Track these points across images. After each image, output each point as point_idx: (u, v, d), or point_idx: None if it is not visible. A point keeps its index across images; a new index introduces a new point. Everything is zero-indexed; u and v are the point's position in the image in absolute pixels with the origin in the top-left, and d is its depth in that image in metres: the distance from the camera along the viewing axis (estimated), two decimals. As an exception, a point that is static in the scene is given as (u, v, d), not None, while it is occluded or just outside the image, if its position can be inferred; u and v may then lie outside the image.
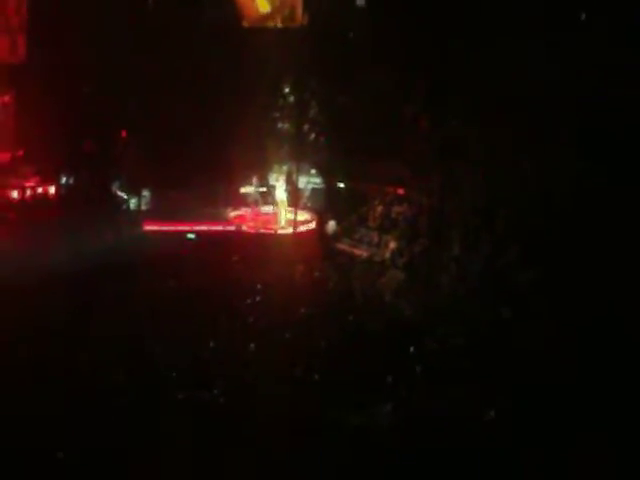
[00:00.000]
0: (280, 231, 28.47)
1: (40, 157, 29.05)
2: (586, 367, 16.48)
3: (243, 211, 29.83)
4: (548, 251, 20.63)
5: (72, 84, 28.46)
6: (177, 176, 28.40)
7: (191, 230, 27.74)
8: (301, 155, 29.50)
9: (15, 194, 28.44)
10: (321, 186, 29.74)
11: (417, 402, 16.36)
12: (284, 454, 14.18)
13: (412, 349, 18.57)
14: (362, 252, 26.16)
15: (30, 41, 28.95)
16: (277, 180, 29.83)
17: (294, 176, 29.44)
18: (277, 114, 30.07)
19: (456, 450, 14.36)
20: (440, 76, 25.13)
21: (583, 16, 23.54)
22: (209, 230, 27.98)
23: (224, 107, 28.41)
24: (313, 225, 28.45)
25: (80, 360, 17.63)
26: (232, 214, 29.47)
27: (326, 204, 29.03)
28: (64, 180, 29.76)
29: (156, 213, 28.95)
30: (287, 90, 30.01)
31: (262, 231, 28.35)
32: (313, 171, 29.82)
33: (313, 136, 29.46)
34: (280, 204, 29.23)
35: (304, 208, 29.33)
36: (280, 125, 30.13)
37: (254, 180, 30.28)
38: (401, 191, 27.30)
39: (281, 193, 29.34)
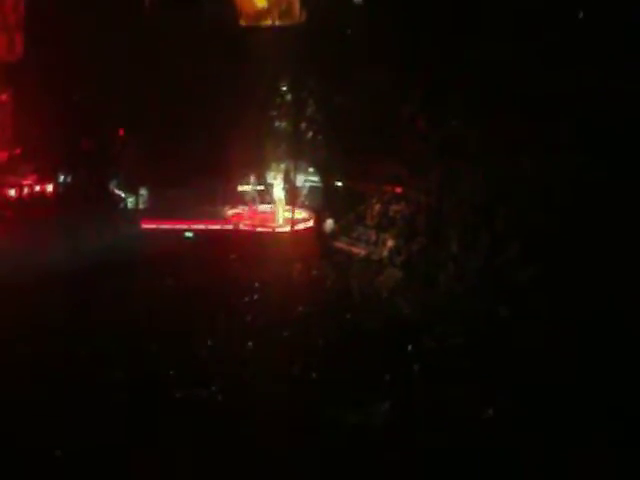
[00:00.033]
0: (278, 229, 28.50)
1: (38, 155, 29.06)
2: (586, 365, 16.48)
3: (241, 209, 29.86)
4: (547, 249, 20.63)
5: (70, 82, 28.46)
6: (175, 174, 28.42)
7: (189, 228, 27.75)
8: (299, 153, 29.52)
9: (13, 192, 28.43)
10: (319, 184, 29.76)
11: (415, 401, 16.35)
12: (282, 452, 14.17)
13: (410, 347, 18.57)
14: (360, 250, 26.16)
15: (28, 39, 28.95)
16: (275, 178, 29.86)
17: (292, 174, 29.46)
18: (275, 113, 30.09)
19: (455, 449, 14.36)
20: (438, 74, 25.11)
21: (580, 14, 23.53)
22: (207, 228, 28.00)
23: (222, 106, 28.42)
24: (311, 223, 28.48)
25: (77, 358, 17.62)
26: (230, 212, 29.50)
27: (324, 202, 29.04)
28: (62, 178, 29.76)
29: (154, 211, 28.97)
30: (285, 89, 30.02)
31: (260, 229, 28.37)
32: (311, 169, 29.85)
33: (311, 134, 29.48)
34: (278, 202, 29.25)
35: (302, 206, 29.37)
36: (278, 124, 30.15)
37: (252, 178, 30.30)
38: (399, 189, 27.28)
39: (279, 191, 29.36)
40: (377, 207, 27.40)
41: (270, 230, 28.41)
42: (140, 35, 28.52)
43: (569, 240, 20.39)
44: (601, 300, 18.53)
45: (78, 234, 25.09)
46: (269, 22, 29.92)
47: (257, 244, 26.81)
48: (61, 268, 22.53)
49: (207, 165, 28.41)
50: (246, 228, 28.37)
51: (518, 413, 15.29)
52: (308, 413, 15.55)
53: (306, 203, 29.65)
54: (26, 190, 28.75)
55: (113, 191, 29.96)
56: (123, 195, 29.92)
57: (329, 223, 27.74)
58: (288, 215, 28.68)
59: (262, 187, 30.25)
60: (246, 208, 29.94)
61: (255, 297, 22.08)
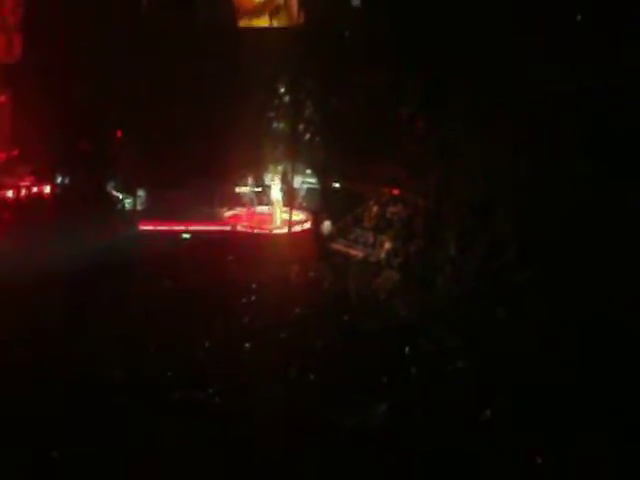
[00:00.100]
0: (275, 231, 28.49)
1: (36, 157, 29.11)
2: (584, 367, 16.49)
3: (238, 211, 29.87)
4: (544, 251, 20.65)
5: (68, 84, 28.50)
6: (172, 176, 28.43)
7: (186, 230, 27.76)
8: (296, 155, 29.53)
9: (10, 194, 28.46)
10: (316, 186, 29.78)
11: (413, 403, 16.35)
12: (280, 454, 14.18)
13: (407, 350, 18.56)
14: (357, 252, 26.17)
15: (26, 41, 28.98)
16: (272, 180, 29.87)
17: (289, 176, 29.47)
18: (272, 114, 30.11)
19: (453, 451, 14.36)
20: (436, 76, 25.14)
21: (579, 17, 23.56)
22: (204, 230, 28.00)
23: (219, 107, 28.45)
24: (308, 225, 28.49)
25: (75, 360, 17.58)
26: (227, 214, 29.50)
27: (321, 204, 29.06)
28: (60, 180, 29.82)
29: (151, 213, 28.99)
30: (283, 90, 30.04)
31: (257, 231, 28.37)
32: (308, 171, 29.86)
33: (308, 136, 29.50)
34: (275, 204, 29.25)
35: (299, 208, 29.38)
36: (275, 125, 30.17)
37: (249, 180, 30.31)
38: (396, 191, 27.32)
39: (276, 193, 29.36)
40: (375, 209, 27.43)
41: (267, 232, 28.41)
42: (138, 37, 28.55)
43: (567, 243, 20.41)
44: (599, 302, 18.55)
45: (76, 236, 25.05)
46: (267, 22, 29.95)
47: (254, 246, 26.81)
48: (59, 269, 22.50)
49: (205, 166, 28.43)
50: (244, 230, 28.36)
51: (516, 414, 15.30)
52: (306, 415, 15.55)
53: (304, 205, 29.67)
54: (24, 191, 28.81)
55: (111, 192, 30.00)
56: (121, 196, 29.95)
57: (327, 225, 27.75)
58: (286, 217, 28.68)
59: (260, 189, 30.27)
60: (244, 210, 29.96)
61: (252, 299, 22.07)
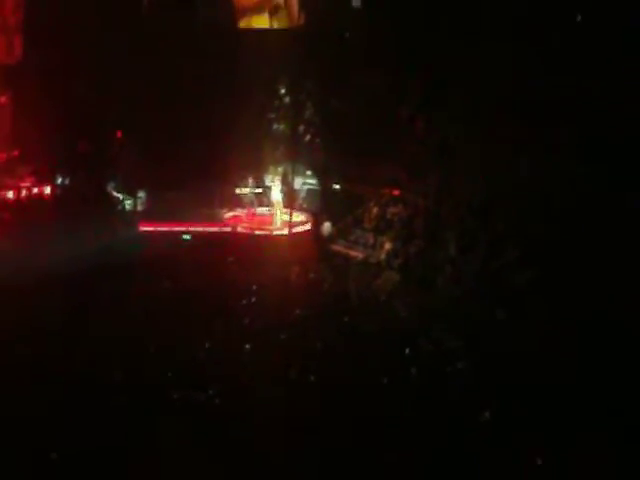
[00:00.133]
0: (275, 232, 28.50)
1: (36, 157, 29.12)
2: (584, 368, 16.49)
3: (238, 212, 29.88)
4: (545, 252, 20.65)
5: (68, 85, 28.51)
6: (173, 177, 28.45)
7: (187, 231, 27.77)
8: (297, 156, 29.55)
9: (11, 194, 28.47)
10: (317, 187, 29.80)
11: (412, 403, 16.35)
12: (279, 455, 14.18)
13: (407, 350, 18.57)
14: (357, 253, 26.18)
15: (27, 42, 29.00)
16: (272, 181, 29.89)
17: (290, 177, 29.49)
18: (273, 115, 30.14)
19: (452, 452, 14.37)
20: (436, 77, 25.15)
21: (579, 18, 23.56)
22: (204, 231, 28.01)
23: (220, 108, 28.46)
24: (308, 226, 28.49)
25: (74, 360, 17.58)
26: (227, 215, 29.52)
27: (322, 205, 29.08)
28: (60, 180, 29.82)
29: (152, 214, 29.00)
30: (283, 91, 30.06)
31: (257, 232, 28.37)
32: (309, 172, 29.88)
33: (309, 137, 29.53)
34: (275, 205, 29.26)
35: (299, 209, 29.40)
36: (276, 126, 30.20)
37: (250, 181, 30.33)
38: (397, 192, 27.32)
39: (276, 194, 29.37)
40: (375, 210, 27.43)
41: (268, 233, 28.42)
42: (138, 38, 28.57)
43: (567, 243, 20.42)
44: (599, 302, 18.55)
45: (76, 236, 25.06)
46: (266, 22, 30.00)
47: (255, 247, 26.82)
48: (59, 270, 22.52)
49: (205, 168, 28.46)
50: (244, 231, 28.38)
51: (516, 415, 15.30)
52: (306, 416, 15.55)
53: (304, 206, 29.70)
54: (24, 192, 28.82)
55: (111, 193, 30.01)
56: (121, 197, 29.96)
57: (327, 226, 27.76)
58: (286, 218, 28.69)
59: (260, 190, 30.29)
60: (244, 211, 29.97)
61: (253, 300, 22.06)
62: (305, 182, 29.89)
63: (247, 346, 18.93)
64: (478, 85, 23.66)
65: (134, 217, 29.08)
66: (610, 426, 14.71)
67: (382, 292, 22.82)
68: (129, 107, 29.03)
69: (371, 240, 26.38)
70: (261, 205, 30.20)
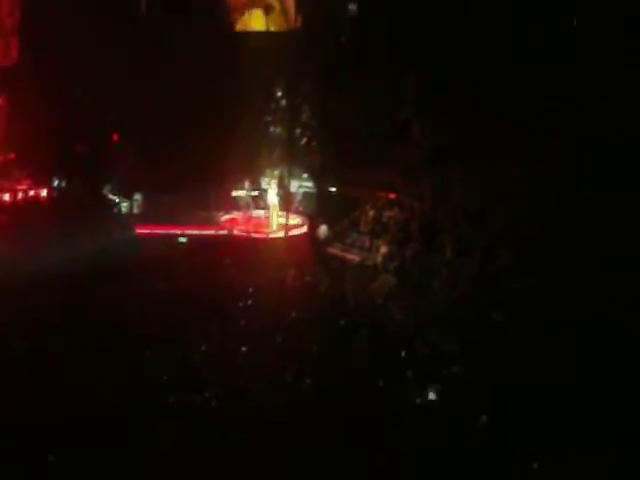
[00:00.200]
0: (272, 235, 28.50)
1: (32, 160, 29.06)
2: (581, 372, 16.50)
3: (235, 215, 29.86)
4: (541, 256, 20.67)
5: (65, 87, 28.49)
6: (169, 180, 28.41)
7: (183, 234, 27.75)
8: (293, 159, 29.55)
9: (7, 197, 28.43)
10: (313, 190, 29.79)
11: (408, 407, 16.37)
12: (276, 458, 14.19)
13: (403, 354, 18.59)
14: (354, 257, 26.17)
15: (23, 44, 28.98)
16: (269, 184, 29.87)
17: (286, 180, 29.48)
18: (269, 118, 30.13)
19: (448, 455, 14.39)
20: (432, 81, 25.17)
21: (575, 22, 23.62)
22: (201, 234, 28.00)
23: (216, 111, 28.45)
24: (305, 229, 28.49)
25: (69, 364, 17.57)
26: (224, 218, 29.50)
27: (318, 208, 29.06)
28: (56, 183, 29.77)
29: (148, 216, 28.96)
30: (279, 94, 30.06)
31: (254, 235, 28.37)
32: (305, 175, 29.87)
33: (305, 140, 29.52)
34: (272, 208, 29.25)
35: (296, 212, 29.38)
36: (272, 129, 30.19)
37: (246, 184, 30.31)
38: (393, 196, 27.32)
39: (273, 197, 29.36)
40: (371, 213, 27.42)
41: (264, 236, 28.42)
42: (135, 40, 28.56)
43: (563, 247, 20.44)
44: (597, 306, 18.57)
45: (72, 239, 25.04)
46: (263, 24, 30.07)
47: (251, 250, 26.81)
48: (55, 273, 22.50)
49: (201, 170, 28.42)
50: (240, 234, 28.37)
51: (512, 419, 15.31)
52: (302, 419, 15.56)
53: (300, 209, 29.68)
54: (20, 195, 28.78)
55: (107, 196, 29.96)
56: (117, 200, 29.92)
57: (323, 229, 27.75)
58: (282, 221, 28.68)
59: (256, 193, 30.27)
60: (240, 214, 29.95)
61: (249, 302, 22.07)
62: (301, 185, 29.88)
63: (243, 349, 18.95)
64: (474, 89, 23.68)
65: (130, 220, 29.04)
66: (608, 429, 14.73)
67: (378, 295, 22.81)
68: (125, 110, 29.01)
69: (367, 243, 26.38)
70: (257, 208, 30.17)
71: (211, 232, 28.27)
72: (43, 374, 16.93)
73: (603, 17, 21.95)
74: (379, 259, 25.20)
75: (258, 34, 30.23)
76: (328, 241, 27.43)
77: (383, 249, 25.47)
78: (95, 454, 14.23)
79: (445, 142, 24.48)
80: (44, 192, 29.36)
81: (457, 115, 23.99)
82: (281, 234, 28.30)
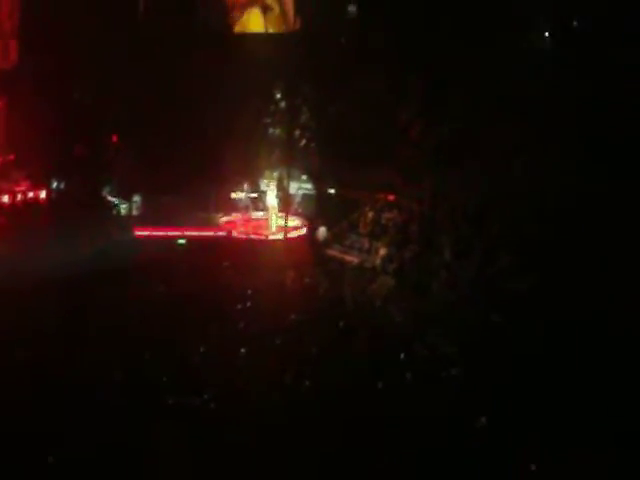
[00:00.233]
0: (271, 237, 28.50)
1: (31, 162, 29.07)
2: (580, 373, 16.50)
3: (234, 217, 29.84)
4: (540, 257, 20.69)
5: (64, 89, 28.51)
6: (168, 181, 28.42)
7: (182, 235, 27.74)
8: (292, 161, 29.54)
9: (6, 198, 28.44)
10: (312, 192, 29.79)
11: (407, 409, 16.36)
12: (275, 460, 14.18)
13: (402, 355, 18.58)
14: (353, 258, 26.18)
15: (23, 46, 28.99)
16: (268, 186, 29.86)
17: (285, 182, 29.47)
18: (268, 120, 30.13)
19: (447, 457, 14.38)
20: (432, 83, 25.19)
21: (575, 22, 23.67)
22: (200, 236, 27.99)
23: (215, 112, 28.46)
24: (304, 231, 28.49)
25: (69, 365, 17.55)
26: (223, 220, 29.49)
27: (317, 210, 29.07)
28: (55, 185, 29.77)
29: (147, 218, 28.97)
30: (279, 96, 30.07)
31: (253, 237, 28.37)
32: (304, 177, 29.87)
33: (304, 142, 29.53)
34: (271, 210, 29.26)
35: (295, 214, 29.38)
36: (271, 131, 30.19)
37: (245, 186, 30.31)
38: (392, 197, 27.34)
39: (272, 199, 29.37)
40: (370, 215, 27.44)
41: (263, 237, 28.42)
42: (134, 42, 28.57)
43: (563, 248, 20.46)
44: (596, 307, 18.57)
45: (71, 241, 25.03)
46: (261, 25, 30.12)
47: (250, 251, 26.80)
48: (54, 274, 22.48)
49: (200, 172, 28.43)
50: (239, 235, 28.36)
51: (511, 421, 15.31)
52: (301, 421, 15.55)
53: (299, 211, 29.68)
54: (19, 196, 28.78)
55: (106, 198, 29.95)
56: (116, 202, 29.92)
57: (322, 231, 27.75)
58: (281, 222, 28.69)
59: (255, 194, 30.27)
60: (239, 215, 29.94)
61: (248, 304, 22.05)
62: (300, 187, 29.88)
63: (242, 351, 18.93)
64: (474, 90, 23.71)
65: (129, 221, 29.05)
66: (608, 429, 14.73)
67: (377, 297, 22.81)
68: (124, 112, 29.02)
69: (366, 245, 26.39)
70: (256, 210, 30.17)
71: (210, 234, 28.26)
72: (41, 376, 16.90)
73: (603, 18, 21.97)
74: (378, 261, 25.21)
75: (257, 36, 30.27)
76: (327, 243, 27.43)
77: (382, 251, 25.48)
78: (94, 455, 14.21)
79: (444, 144, 24.50)
80: (43, 193, 29.37)
81: (456, 117, 24.02)
82: (280, 236, 28.31)
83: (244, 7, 30.14)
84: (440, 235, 24.15)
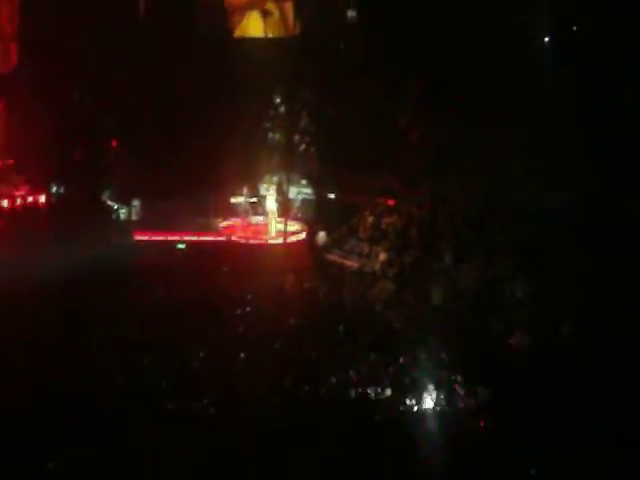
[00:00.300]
0: (270, 241, 28.44)
1: (31, 166, 29.06)
2: (582, 379, 16.49)
3: (233, 221, 29.79)
4: (540, 262, 20.69)
5: (63, 93, 28.50)
6: (168, 186, 28.37)
7: (181, 240, 27.71)
8: (292, 165, 29.52)
9: (5, 203, 28.43)
10: (312, 197, 29.76)
11: (407, 413, 16.36)
12: (274, 464, 14.17)
13: (402, 360, 18.58)
14: (352, 263, 26.14)
15: (22, 50, 29.00)
16: (267, 190, 29.83)
17: (285, 186, 29.44)
18: (268, 124, 30.12)
19: (448, 461, 14.37)
20: (431, 87, 25.21)
21: (574, 27, 23.69)
22: (199, 240, 27.96)
23: (215, 117, 28.45)
24: (303, 236, 28.43)
25: (68, 370, 17.54)
26: (222, 224, 29.44)
27: (316, 215, 29.02)
28: (54, 189, 29.75)
29: (146, 223, 28.91)
30: (278, 100, 30.07)
31: (252, 241, 28.32)
32: (304, 181, 29.85)
33: (304, 147, 29.52)
34: (270, 214, 29.19)
35: (294, 219, 29.33)
36: (271, 135, 30.18)
37: (245, 190, 30.27)
38: (392, 202, 27.34)
39: (271, 203, 29.31)
40: (370, 220, 27.42)
41: (262, 242, 28.37)
42: (134, 46, 28.57)
43: (563, 253, 20.46)
44: (597, 312, 18.57)
45: (70, 245, 25.00)
46: (261, 29, 30.16)
47: (249, 256, 26.76)
48: (53, 279, 22.44)
49: (200, 177, 28.39)
50: (238, 240, 28.32)
51: (513, 426, 15.31)
52: (300, 425, 15.54)
53: (299, 215, 29.62)
54: (19, 201, 28.76)
55: (105, 202, 29.92)
56: (115, 206, 29.89)
57: (322, 235, 27.72)
58: (281, 227, 28.63)
59: (255, 199, 30.23)
60: (239, 220, 29.89)
61: (247, 309, 22.03)
62: (300, 191, 29.84)
63: (242, 355, 18.92)
64: (473, 93, 23.72)
65: (128, 226, 29.00)
66: (608, 430, 14.73)
67: (377, 302, 22.79)
68: (124, 116, 29.02)
69: (366, 250, 26.36)
70: (256, 214, 30.11)
71: (210, 238, 28.22)
72: (41, 380, 16.89)
73: (603, 18, 22.00)
74: (378, 266, 25.19)
75: (257, 40, 30.28)
76: (327, 248, 27.40)
77: (382, 256, 25.46)
78: (94, 460, 14.19)
79: (444, 148, 24.51)
80: (42, 198, 29.35)
81: (456, 121, 24.03)
82: (280, 240, 28.23)
83: (244, 11, 30.16)
84: (440, 240, 24.15)
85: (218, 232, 28.74)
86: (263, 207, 29.77)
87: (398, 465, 14.38)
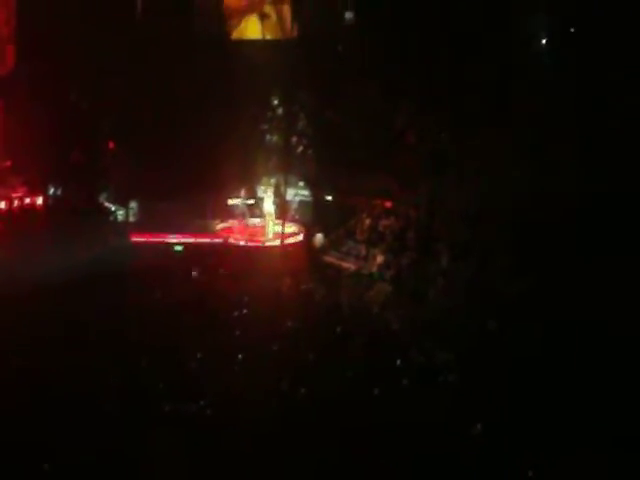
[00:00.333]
0: (267, 243, 28.45)
1: (28, 167, 29.07)
2: (578, 380, 16.49)
3: (231, 223, 29.81)
4: (537, 263, 20.69)
5: (60, 95, 28.50)
6: (165, 188, 28.39)
7: (178, 242, 27.72)
8: (289, 167, 29.54)
9: (3, 205, 28.43)
10: (309, 199, 29.78)
11: (403, 415, 16.34)
12: (271, 466, 14.15)
13: (399, 362, 18.57)
14: (350, 265, 26.17)
15: (19, 52, 29.02)
16: (265, 192, 29.84)
17: (282, 188, 29.45)
18: (266, 126, 30.13)
19: (443, 464, 14.36)
20: (428, 89, 25.22)
21: (572, 29, 23.71)
22: (197, 242, 27.98)
23: (212, 119, 28.46)
24: (301, 238, 28.46)
25: (64, 372, 17.52)
26: (220, 226, 29.46)
27: (314, 217, 29.05)
28: (52, 191, 29.76)
29: (144, 225, 28.95)
30: (276, 102, 30.09)
31: (250, 243, 28.33)
32: (301, 183, 29.87)
33: (301, 148, 29.53)
34: (268, 216, 29.21)
35: (292, 220, 29.35)
36: (268, 137, 30.19)
37: (242, 192, 30.28)
38: (389, 204, 27.36)
39: (269, 205, 29.33)
40: (367, 221, 27.45)
41: (260, 244, 28.38)
42: (131, 48, 28.58)
43: (560, 253, 20.46)
44: (595, 313, 18.56)
45: (67, 247, 25.00)
46: (258, 31, 30.19)
47: (247, 258, 26.77)
48: (50, 281, 22.45)
49: (197, 179, 28.41)
50: (236, 242, 28.33)
51: (508, 428, 15.30)
52: (297, 428, 15.52)
53: (296, 217, 29.65)
54: (16, 202, 28.77)
55: (103, 204, 29.94)
56: (113, 208, 29.90)
57: (319, 237, 27.76)
58: (278, 229, 28.65)
59: (252, 201, 30.24)
60: (236, 222, 29.90)
61: (244, 311, 22.03)
62: (297, 193, 29.86)
63: (239, 357, 18.91)
64: (471, 96, 23.74)
65: (126, 228, 29.02)
66: (606, 433, 14.72)
67: (374, 304, 22.80)
68: (121, 117, 29.04)
69: (363, 252, 26.37)
70: (253, 216, 30.13)
71: (207, 240, 28.24)
72: (37, 382, 16.87)
73: (603, 21, 22.02)
74: (375, 268, 25.20)
75: (255, 42, 30.30)
76: (324, 249, 27.44)
77: (379, 258, 25.48)
78: (90, 462, 14.17)
79: (441, 150, 24.53)
80: (40, 200, 29.36)
81: (453, 122, 24.04)
82: (277, 243, 28.26)
83: (241, 14, 30.20)
84: (437, 241, 24.15)
85: (215, 234, 28.77)
86: (260, 209, 29.80)
87: (396, 467, 14.36)
